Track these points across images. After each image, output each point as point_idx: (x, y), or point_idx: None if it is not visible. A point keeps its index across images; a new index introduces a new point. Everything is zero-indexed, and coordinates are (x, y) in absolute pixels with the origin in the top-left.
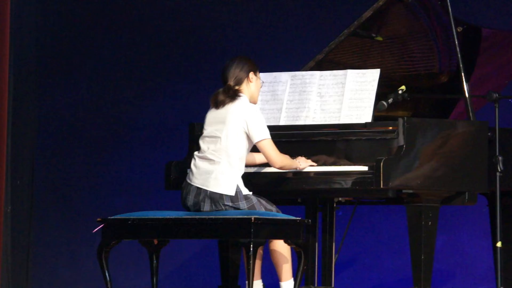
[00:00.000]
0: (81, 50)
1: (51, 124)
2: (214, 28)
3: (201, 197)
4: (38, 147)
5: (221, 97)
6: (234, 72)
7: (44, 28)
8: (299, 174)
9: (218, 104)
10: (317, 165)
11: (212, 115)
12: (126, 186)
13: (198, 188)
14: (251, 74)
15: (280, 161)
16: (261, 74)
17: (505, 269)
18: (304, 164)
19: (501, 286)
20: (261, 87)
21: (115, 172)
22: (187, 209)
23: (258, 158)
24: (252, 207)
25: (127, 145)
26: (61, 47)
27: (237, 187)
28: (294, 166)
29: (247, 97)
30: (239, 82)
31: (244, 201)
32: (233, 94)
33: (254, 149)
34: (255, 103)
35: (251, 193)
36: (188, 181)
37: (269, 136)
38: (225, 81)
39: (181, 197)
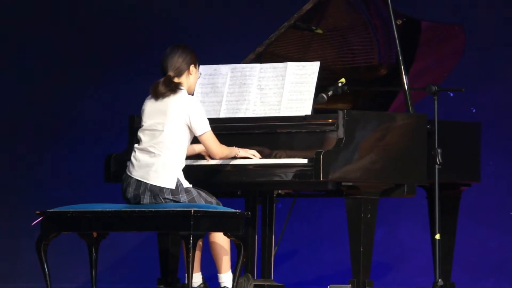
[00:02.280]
0: (19, 39)
1: None
2: (155, 20)
3: (141, 190)
4: None
5: (161, 88)
6: (175, 63)
7: None
8: (239, 167)
9: (158, 95)
10: (260, 156)
11: (152, 107)
12: (65, 178)
13: (138, 180)
14: (192, 67)
15: (220, 152)
16: (201, 67)
17: (443, 261)
18: (243, 153)
19: (439, 278)
20: (198, 77)
21: (55, 164)
22: (127, 201)
23: (197, 147)
24: (192, 200)
25: (67, 137)
26: None
27: (178, 180)
28: (233, 154)
29: (186, 89)
30: (179, 74)
31: (185, 194)
32: (174, 88)
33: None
34: (191, 94)
35: (191, 185)
36: (128, 173)
37: (209, 128)
38: (165, 70)
39: (121, 189)
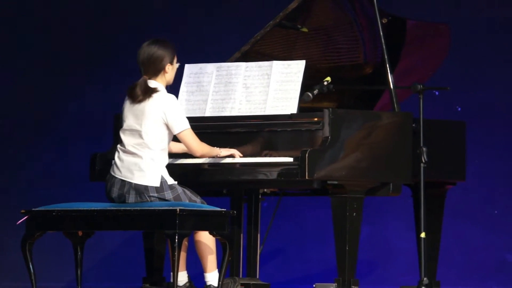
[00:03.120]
0: (9, 38)
1: None
2: (139, 19)
3: (125, 189)
4: None
5: (138, 92)
6: (151, 66)
7: None
8: (224, 166)
9: (134, 99)
10: (241, 155)
11: (129, 108)
12: (50, 177)
13: (122, 180)
14: (168, 66)
15: (200, 150)
16: (187, 65)
17: (429, 260)
18: (225, 152)
19: (424, 276)
20: (177, 67)
21: (40, 163)
22: (111, 201)
23: (174, 147)
24: (177, 196)
25: (52, 135)
26: None
27: (162, 177)
28: (214, 154)
29: (163, 85)
30: (155, 75)
31: (170, 191)
32: (150, 94)
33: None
34: (171, 84)
35: (176, 182)
36: (112, 173)
37: (188, 126)
38: (140, 70)
39: (105, 189)
